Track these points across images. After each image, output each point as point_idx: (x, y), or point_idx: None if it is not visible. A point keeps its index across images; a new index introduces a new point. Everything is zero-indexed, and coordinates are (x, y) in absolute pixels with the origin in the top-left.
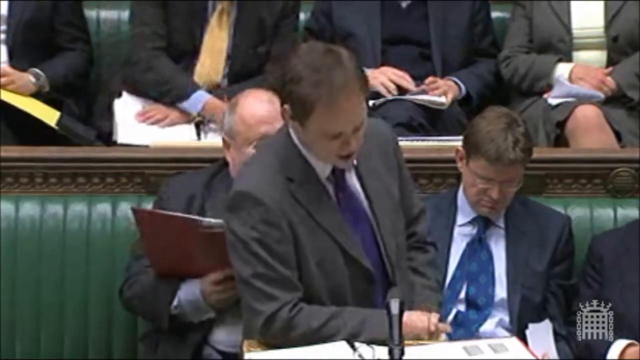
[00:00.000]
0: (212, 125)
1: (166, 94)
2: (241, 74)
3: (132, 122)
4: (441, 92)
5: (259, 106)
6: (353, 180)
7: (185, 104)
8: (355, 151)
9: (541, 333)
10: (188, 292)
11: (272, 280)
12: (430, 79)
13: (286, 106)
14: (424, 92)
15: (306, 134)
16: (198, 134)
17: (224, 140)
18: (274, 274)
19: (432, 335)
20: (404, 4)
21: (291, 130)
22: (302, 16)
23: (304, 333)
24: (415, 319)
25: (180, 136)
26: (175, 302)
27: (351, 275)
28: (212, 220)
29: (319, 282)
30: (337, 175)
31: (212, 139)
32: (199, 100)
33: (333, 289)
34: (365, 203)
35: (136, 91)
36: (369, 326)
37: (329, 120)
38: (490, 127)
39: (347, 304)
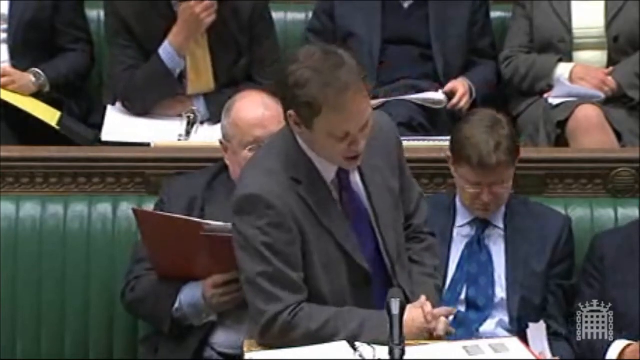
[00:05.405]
0: (205, 125)
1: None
2: (231, 85)
3: (119, 120)
4: (460, 97)
5: (253, 110)
6: (356, 179)
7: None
8: (362, 152)
9: (537, 333)
10: (189, 294)
11: (277, 282)
12: (451, 85)
13: (291, 112)
14: (421, 90)
15: (313, 137)
16: (188, 133)
17: (221, 143)
18: (280, 277)
19: (431, 323)
20: (405, 4)
21: (296, 133)
22: (303, 16)
23: (303, 335)
24: (414, 317)
25: (169, 133)
26: (176, 305)
27: (350, 277)
28: (214, 223)
29: (323, 282)
30: (342, 177)
31: (203, 137)
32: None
33: (335, 290)
34: (366, 200)
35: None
36: (368, 328)
37: (336, 121)
38: (472, 132)
39: (346, 303)
